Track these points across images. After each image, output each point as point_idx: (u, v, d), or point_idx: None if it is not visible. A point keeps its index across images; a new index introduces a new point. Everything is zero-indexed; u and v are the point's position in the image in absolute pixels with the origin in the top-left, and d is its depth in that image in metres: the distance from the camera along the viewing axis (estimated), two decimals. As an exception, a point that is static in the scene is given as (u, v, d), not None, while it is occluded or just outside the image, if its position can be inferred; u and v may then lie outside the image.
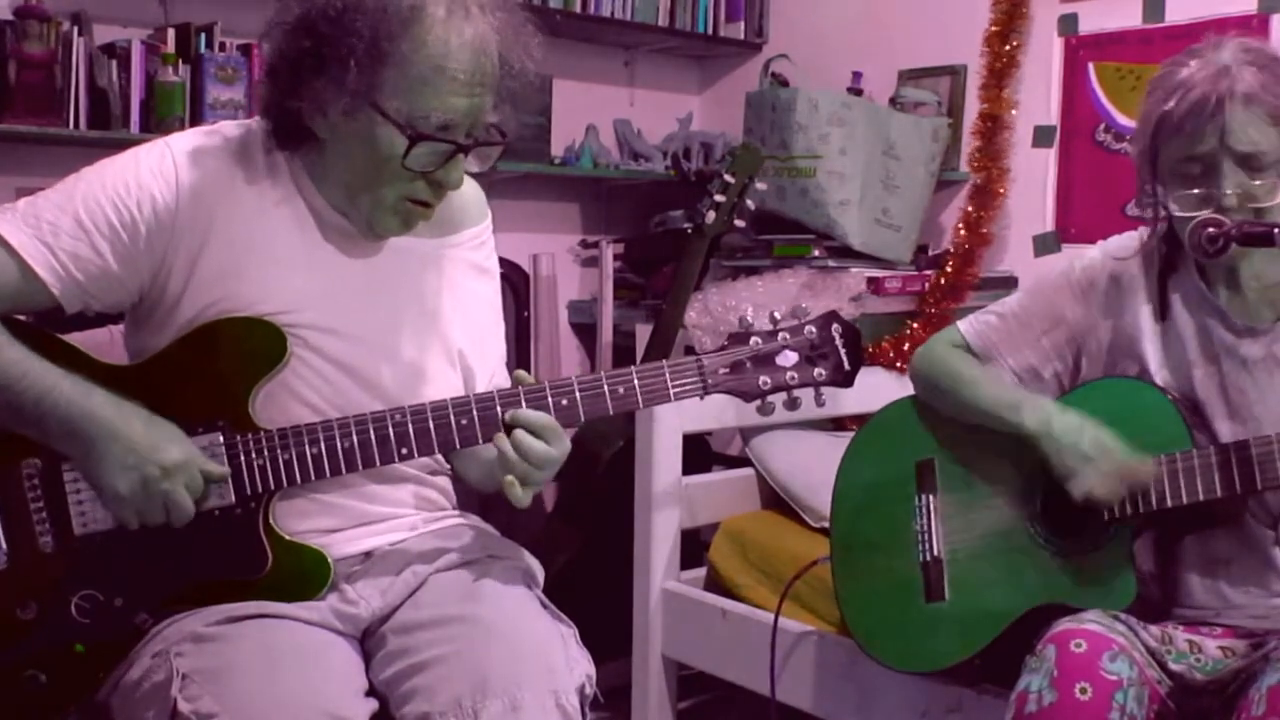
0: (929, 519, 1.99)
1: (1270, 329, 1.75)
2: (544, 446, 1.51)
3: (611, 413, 1.56)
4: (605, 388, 1.55)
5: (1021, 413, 1.84)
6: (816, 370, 1.60)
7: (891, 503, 2.04)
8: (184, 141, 1.59)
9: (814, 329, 1.60)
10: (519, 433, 1.50)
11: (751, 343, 1.59)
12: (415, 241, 1.65)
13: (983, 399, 1.90)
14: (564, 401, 1.54)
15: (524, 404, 1.53)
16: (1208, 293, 1.79)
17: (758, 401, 1.60)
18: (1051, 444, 1.79)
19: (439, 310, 1.67)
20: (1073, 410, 1.81)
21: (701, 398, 1.59)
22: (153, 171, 1.54)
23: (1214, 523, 1.77)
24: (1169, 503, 1.73)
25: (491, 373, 1.73)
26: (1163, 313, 1.82)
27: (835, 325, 1.62)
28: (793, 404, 1.61)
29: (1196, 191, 1.68)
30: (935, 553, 1.98)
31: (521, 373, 1.57)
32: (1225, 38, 1.72)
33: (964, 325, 2.01)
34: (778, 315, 1.61)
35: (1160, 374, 1.81)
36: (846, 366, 1.61)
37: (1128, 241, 1.90)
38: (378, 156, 1.51)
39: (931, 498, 2.00)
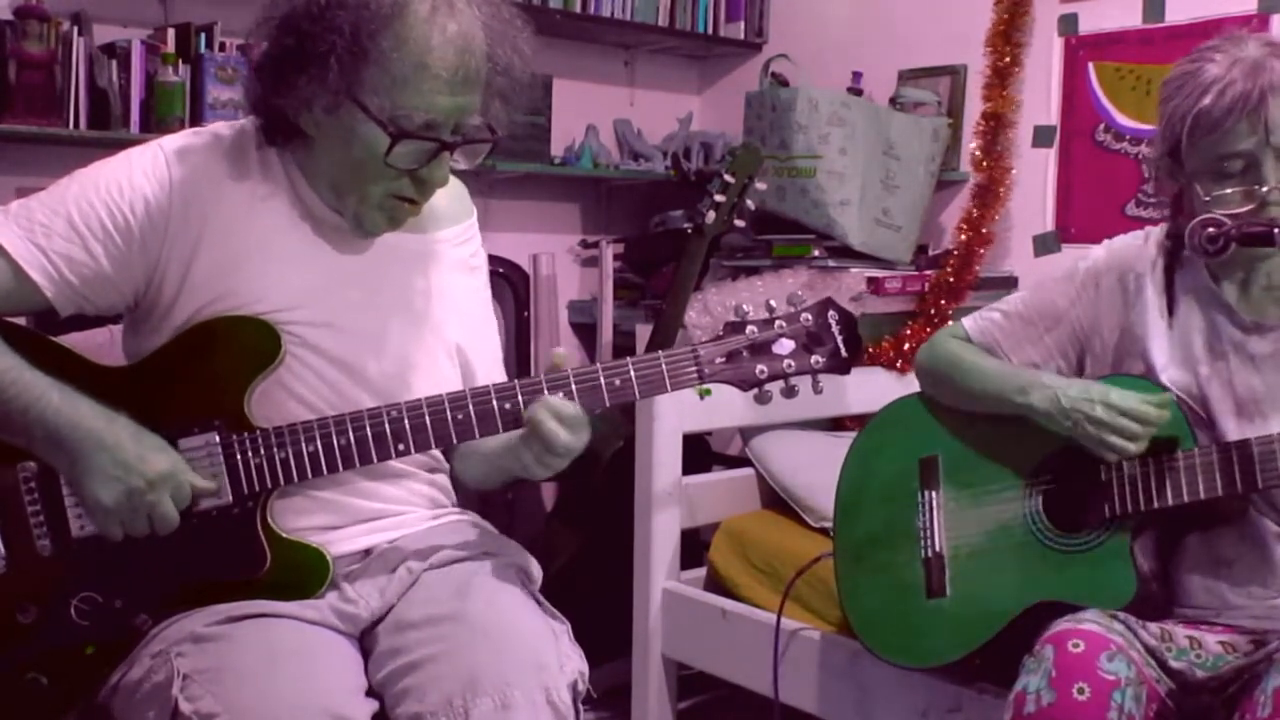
0: (931, 515, 2.00)
1: (1278, 326, 1.75)
2: (565, 433, 1.51)
3: (608, 404, 1.56)
4: (601, 379, 1.55)
5: (1030, 395, 1.83)
6: (814, 358, 1.59)
7: (894, 499, 2.05)
8: (176, 142, 1.59)
9: (810, 316, 1.59)
10: (545, 417, 1.51)
11: (748, 332, 1.58)
12: (405, 238, 1.65)
13: (989, 384, 1.91)
14: (560, 395, 1.54)
15: (520, 398, 1.53)
16: (1216, 290, 1.79)
17: (755, 391, 1.59)
18: (1065, 420, 1.78)
19: (432, 306, 1.68)
20: (1079, 381, 1.80)
21: (700, 379, 1.58)
22: (145, 173, 1.54)
23: (1217, 521, 1.77)
24: (1170, 501, 1.73)
25: (489, 367, 1.73)
26: (1170, 310, 1.81)
27: (831, 312, 1.61)
28: (790, 392, 1.60)
29: (1236, 189, 1.68)
30: (937, 549, 1.98)
31: (559, 351, 1.57)
32: (1241, 34, 1.72)
33: (968, 322, 2.02)
34: (774, 304, 1.60)
35: (1167, 372, 1.80)
36: (844, 353, 1.60)
37: (1133, 240, 1.89)
38: (361, 154, 1.51)
39: (934, 494, 2.00)
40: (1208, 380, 1.78)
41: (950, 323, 2.11)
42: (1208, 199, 1.70)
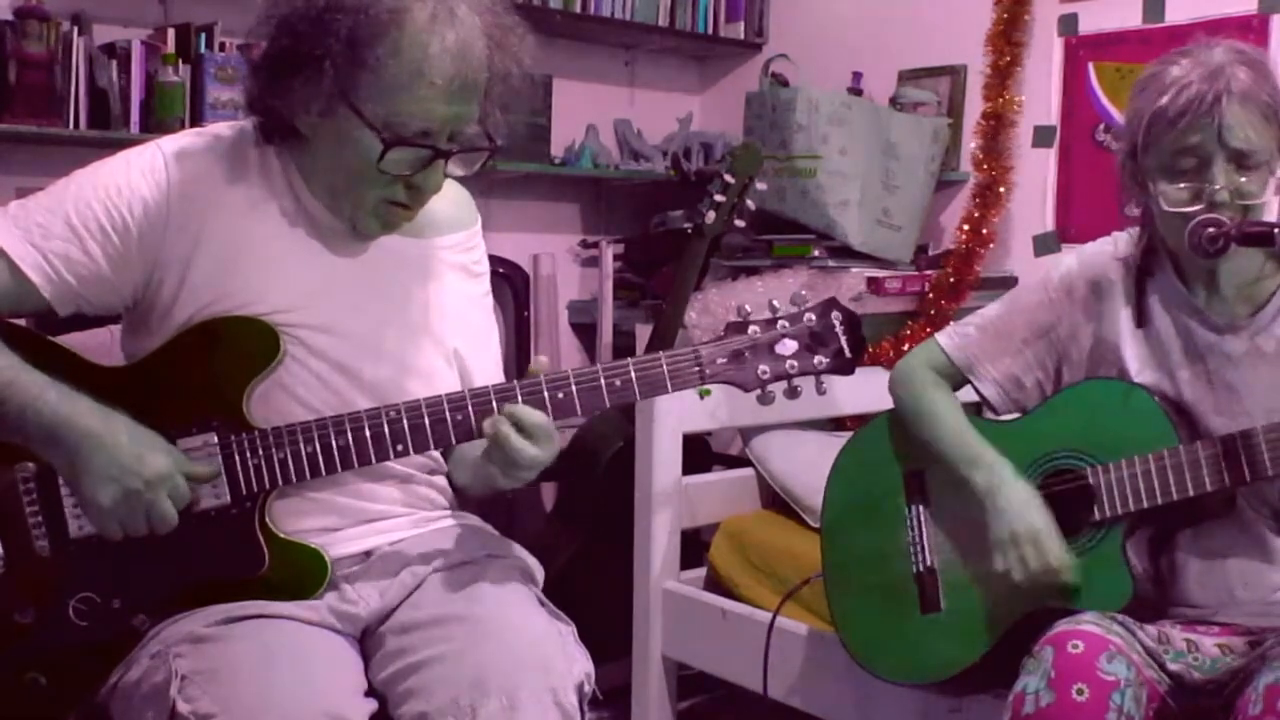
0: (920, 529, 1.99)
1: (1249, 323, 1.76)
2: (528, 446, 1.49)
3: (609, 405, 1.55)
4: (602, 380, 1.54)
5: (975, 471, 1.86)
6: (817, 358, 1.58)
7: (882, 515, 2.03)
8: (175, 143, 1.59)
9: (813, 316, 1.59)
10: (503, 426, 1.49)
11: (750, 332, 1.58)
12: (405, 241, 1.65)
13: (943, 444, 1.92)
14: (560, 395, 1.53)
15: (519, 398, 1.52)
16: (1187, 293, 1.79)
17: (757, 391, 1.58)
18: (993, 512, 1.82)
19: (430, 310, 1.67)
20: (1021, 488, 1.82)
21: (702, 380, 1.58)
22: (144, 173, 1.54)
23: (1207, 516, 1.77)
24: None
25: (488, 373, 1.72)
26: (1140, 317, 1.82)
27: (835, 312, 1.60)
28: (793, 393, 1.59)
29: (1186, 186, 1.69)
30: (928, 563, 1.97)
31: (542, 359, 1.56)
32: (1213, 39, 1.73)
33: (943, 338, 2.01)
34: (776, 304, 1.60)
35: (1142, 376, 1.81)
36: (847, 353, 1.59)
37: (1104, 247, 1.90)
38: (355, 158, 1.50)
39: (922, 508, 2.00)
40: (1188, 383, 1.78)
41: (948, 323, 2.10)
42: (1159, 197, 1.71)
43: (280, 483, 1.53)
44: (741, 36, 4.09)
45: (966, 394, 2.00)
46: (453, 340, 1.69)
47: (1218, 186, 1.66)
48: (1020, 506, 1.79)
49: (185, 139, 1.60)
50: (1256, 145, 1.66)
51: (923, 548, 1.98)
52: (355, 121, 1.48)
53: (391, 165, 1.50)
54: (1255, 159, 1.67)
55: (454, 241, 1.72)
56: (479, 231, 1.78)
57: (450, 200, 1.70)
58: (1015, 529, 1.78)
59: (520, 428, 1.49)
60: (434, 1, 1.48)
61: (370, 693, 1.50)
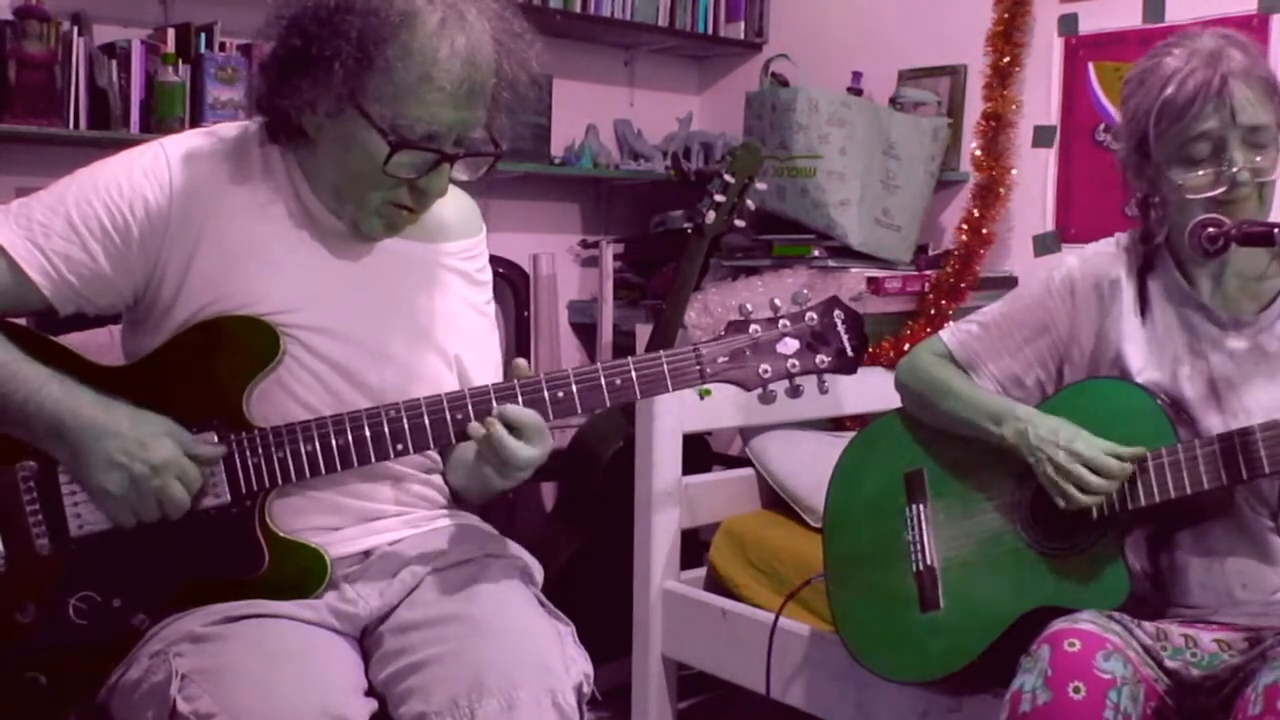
0: (920, 529, 1.99)
1: (1254, 320, 1.76)
2: (522, 447, 1.49)
3: (609, 404, 1.55)
4: (602, 379, 1.54)
5: (1003, 425, 1.85)
6: (819, 357, 1.59)
7: (882, 515, 2.04)
8: (178, 143, 1.59)
9: (815, 315, 1.59)
10: (496, 428, 1.49)
11: (751, 330, 1.58)
12: (407, 244, 1.65)
13: (964, 410, 1.92)
14: (560, 394, 1.53)
15: (519, 398, 1.52)
16: (1189, 289, 1.80)
17: (759, 390, 1.58)
18: (1029, 452, 1.80)
19: (433, 314, 1.67)
20: (1051, 419, 1.81)
21: (702, 379, 1.57)
22: (146, 173, 1.54)
23: (1206, 515, 1.77)
24: (1157, 498, 1.73)
25: (489, 378, 1.71)
26: (1143, 313, 1.82)
27: (837, 311, 1.60)
28: (795, 392, 1.59)
29: (1205, 172, 1.70)
30: (928, 562, 1.97)
31: (520, 361, 1.56)
32: (1196, 30, 1.77)
33: (946, 335, 2.02)
34: (778, 303, 1.60)
35: (1145, 374, 1.81)
36: (849, 352, 1.60)
37: (1104, 247, 1.91)
38: (360, 160, 1.51)
39: (921, 507, 2.00)
40: (1189, 379, 1.78)
41: (948, 323, 2.10)
42: (1179, 184, 1.72)
43: (280, 482, 1.53)
44: (741, 36, 4.08)
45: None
46: (454, 345, 1.69)
47: (1237, 168, 1.69)
48: (1052, 436, 1.77)
49: (189, 138, 1.60)
50: (1265, 121, 1.70)
51: (922, 547, 1.98)
52: (362, 123, 1.48)
53: (397, 168, 1.50)
54: (1265, 135, 1.70)
55: (458, 248, 1.72)
56: (484, 241, 1.78)
57: (456, 208, 1.71)
58: (1057, 460, 1.76)
59: (511, 427, 1.49)
60: (444, 6, 1.48)
61: (370, 692, 1.50)
